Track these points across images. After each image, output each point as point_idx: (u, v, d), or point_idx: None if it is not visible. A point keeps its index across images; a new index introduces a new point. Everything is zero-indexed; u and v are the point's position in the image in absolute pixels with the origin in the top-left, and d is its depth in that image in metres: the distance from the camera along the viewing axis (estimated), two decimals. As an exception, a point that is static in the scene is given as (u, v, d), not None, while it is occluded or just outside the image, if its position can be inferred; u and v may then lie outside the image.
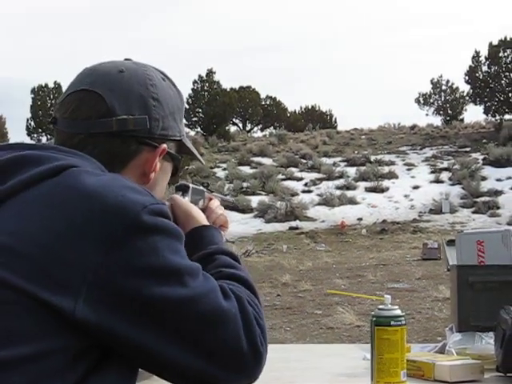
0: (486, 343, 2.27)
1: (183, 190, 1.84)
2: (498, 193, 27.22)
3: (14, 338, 1.24)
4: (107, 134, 1.48)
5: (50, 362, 1.24)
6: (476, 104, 42.99)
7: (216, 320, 1.35)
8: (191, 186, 1.89)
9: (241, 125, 55.24)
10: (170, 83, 1.60)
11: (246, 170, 32.00)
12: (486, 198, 26.47)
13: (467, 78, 42.68)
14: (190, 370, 1.35)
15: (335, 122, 60.31)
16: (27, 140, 43.51)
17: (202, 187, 1.95)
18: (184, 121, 1.68)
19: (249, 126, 55.78)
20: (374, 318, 1.93)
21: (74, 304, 1.25)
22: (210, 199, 1.93)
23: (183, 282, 1.32)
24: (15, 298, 1.25)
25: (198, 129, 48.39)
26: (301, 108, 61.50)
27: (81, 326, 1.26)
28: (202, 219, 1.71)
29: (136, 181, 1.47)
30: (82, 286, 1.25)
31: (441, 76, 53.13)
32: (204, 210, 1.84)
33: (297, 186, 29.62)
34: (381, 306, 1.94)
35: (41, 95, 51.75)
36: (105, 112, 1.48)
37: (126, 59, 1.61)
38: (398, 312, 1.93)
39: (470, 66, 42.55)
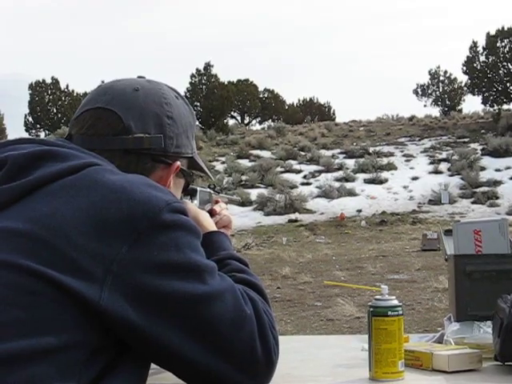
0: (484, 332, 2.27)
1: (191, 193, 1.86)
2: (496, 183, 27.22)
3: (41, 329, 1.25)
4: (123, 150, 1.51)
5: (72, 354, 1.26)
6: (474, 94, 42.92)
7: (234, 319, 1.37)
8: (199, 189, 1.90)
9: (239, 118, 55.21)
10: (182, 101, 1.63)
11: (245, 163, 31.98)
12: (485, 189, 26.48)
13: (465, 68, 42.62)
14: (205, 368, 1.37)
15: (334, 114, 60.33)
16: (26, 136, 43.44)
17: (208, 189, 1.96)
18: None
19: (247, 119, 55.77)
20: (371, 309, 1.93)
21: (100, 292, 1.27)
22: (216, 202, 1.96)
23: (203, 279, 1.35)
24: (41, 286, 1.26)
25: (197, 122, 48.31)
26: (299, 100, 61.51)
27: (104, 316, 1.28)
28: (210, 225, 1.74)
29: None
30: (107, 275, 1.28)
31: (439, 67, 53.17)
32: (210, 212, 1.87)
33: (296, 178, 29.61)
34: (378, 297, 1.94)
35: (38, 91, 51.69)
36: (121, 130, 1.51)
37: (139, 77, 1.64)
38: (395, 302, 1.93)
39: (468, 57, 42.48)
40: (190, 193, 1.86)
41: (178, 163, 1.58)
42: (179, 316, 1.32)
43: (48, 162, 1.39)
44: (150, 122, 1.54)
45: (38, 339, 1.23)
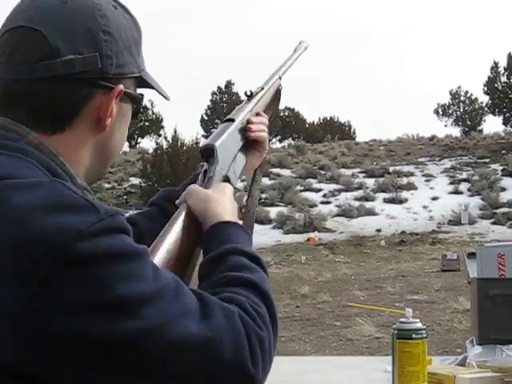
0: (507, 356, 2.27)
1: (208, 155, 1.55)
2: (517, 204, 27.08)
3: None
4: (52, 78, 1.23)
5: None
6: (495, 115, 42.87)
7: (183, 349, 1.11)
8: (218, 144, 1.55)
9: (259, 136, 55.28)
10: (123, 11, 1.35)
11: (265, 181, 31.99)
12: (506, 209, 26.37)
13: (486, 88, 42.58)
14: None
15: (354, 133, 60.33)
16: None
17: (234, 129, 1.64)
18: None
19: (267, 137, 55.83)
20: (396, 331, 1.94)
21: (13, 356, 1.05)
22: (258, 114, 1.74)
23: (136, 313, 1.08)
24: None
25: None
26: (319, 119, 61.59)
27: (24, 380, 1.06)
28: (223, 212, 1.43)
29: (91, 129, 1.29)
30: (17, 337, 1.04)
31: (459, 87, 53.09)
32: (246, 123, 1.67)
33: (315, 197, 29.61)
34: (402, 319, 1.95)
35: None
36: (47, 53, 1.23)
37: None
38: (420, 325, 1.94)
39: (489, 77, 42.44)
40: (207, 153, 1.54)
41: (121, 86, 1.29)
42: (115, 363, 1.07)
43: None
44: (82, 40, 1.25)
45: None
